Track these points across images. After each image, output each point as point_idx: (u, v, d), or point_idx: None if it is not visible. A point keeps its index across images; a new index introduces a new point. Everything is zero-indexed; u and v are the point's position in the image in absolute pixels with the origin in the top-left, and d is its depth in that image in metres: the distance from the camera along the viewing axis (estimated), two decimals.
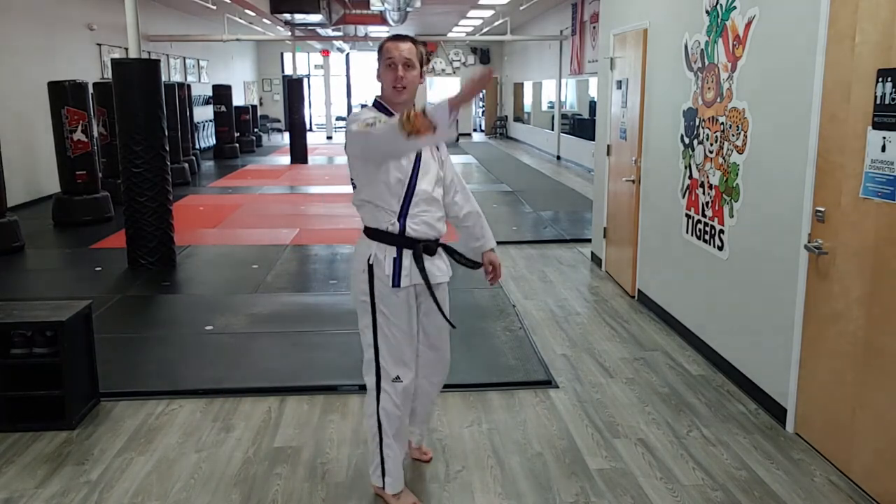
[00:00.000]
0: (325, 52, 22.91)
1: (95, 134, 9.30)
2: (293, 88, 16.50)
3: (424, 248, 2.72)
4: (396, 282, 2.69)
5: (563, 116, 17.49)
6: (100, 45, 12.96)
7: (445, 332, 2.95)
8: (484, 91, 2.72)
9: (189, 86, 15.02)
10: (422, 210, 2.70)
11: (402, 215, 2.68)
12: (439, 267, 2.81)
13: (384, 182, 2.65)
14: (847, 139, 3.04)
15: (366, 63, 26.72)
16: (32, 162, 10.41)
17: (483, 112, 26.25)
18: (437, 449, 3.38)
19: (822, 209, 3.22)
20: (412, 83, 2.69)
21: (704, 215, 4.44)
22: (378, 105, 2.75)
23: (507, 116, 24.56)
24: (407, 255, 2.70)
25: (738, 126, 4.00)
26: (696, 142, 4.55)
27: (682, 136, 4.77)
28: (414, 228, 2.69)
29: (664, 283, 5.21)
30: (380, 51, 2.73)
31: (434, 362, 2.99)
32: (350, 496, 3.00)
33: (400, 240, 2.69)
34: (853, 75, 3.00)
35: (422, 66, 2.75)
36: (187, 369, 4.33)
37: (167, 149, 6.65)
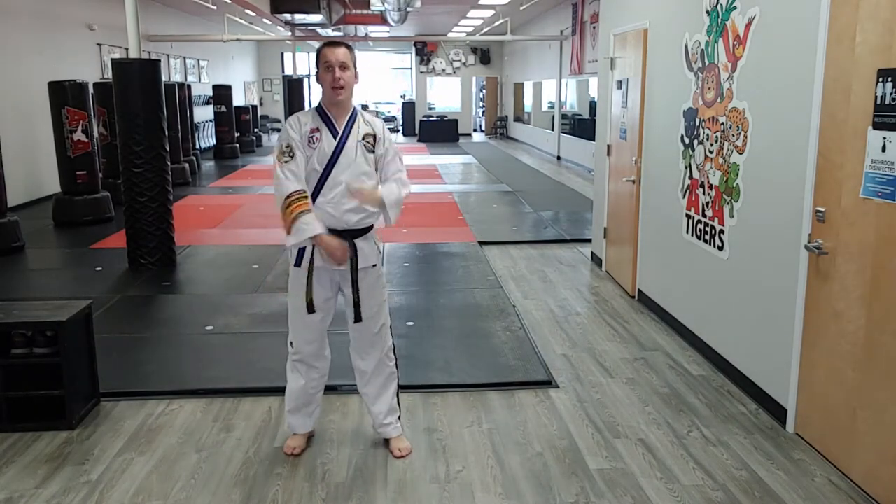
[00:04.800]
0: None
1: (95, 134, 9.30)
2: (293, 88, 16.53)
3: (349, 234, 3.05)
4: (297, 262, 3.10)
5: (564, 116, 17.48)
6: (100, 45, 12.96)
7: (372, 311, 3.20)
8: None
9: (189, 86, 15.01)
10: (328, 200, 3.02)
11: (313, 204, 3.01)
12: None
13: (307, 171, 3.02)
14: (847, 139, 3.04)
15: (366, 63, 26.73)
16: (33, 162, 10.41)
17: (483, 112, 26.26)
18: (437, 449, 3.38)
19: (823, 209, 3.22)
20: (349, 83, 3.04)
21: (704, 215, 4.44)
22: (319, 111, 3.08)
23: (507, 116, 24.55)
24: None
25: (738, 126, 4.00)
26: (696, 142, 4.55)
27: (682, 136, 4.77)
28: (322, 220, 3.00)
29: (664, 283, 5.20)
30: (318, 56, 3.06)
31: (360, 338, 3.27)
32: (350, 496, 3.00)
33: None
34: (853, 75, 3.00)
35: (355, 68, 3.08)
36: (187, 369, 4.33)
37: (167, 149, 6.65)
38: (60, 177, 8.90)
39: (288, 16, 13.43)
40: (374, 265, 3.19)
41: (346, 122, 3.07)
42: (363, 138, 3.08)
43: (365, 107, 25.44)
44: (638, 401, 3.88)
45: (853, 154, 3.00)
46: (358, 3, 15.26)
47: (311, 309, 3.12)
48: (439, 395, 3.95)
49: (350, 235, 3.06)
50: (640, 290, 5.65)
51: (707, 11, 4.37)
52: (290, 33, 17.65)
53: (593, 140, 7.59)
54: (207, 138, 18.89)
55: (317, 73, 3.07)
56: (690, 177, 4.63)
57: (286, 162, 2.97)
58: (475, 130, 26.52)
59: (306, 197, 2.97)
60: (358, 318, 3.17)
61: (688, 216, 4.70)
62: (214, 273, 6.54)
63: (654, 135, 5.33)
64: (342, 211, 3.03)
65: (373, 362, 3.29)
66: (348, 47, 3.06)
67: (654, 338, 4.85)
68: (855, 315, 3.03)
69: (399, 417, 3.41)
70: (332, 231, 3.02)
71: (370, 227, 3.17)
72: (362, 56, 26.52)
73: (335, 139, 3.03)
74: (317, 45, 21.70)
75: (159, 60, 6.74)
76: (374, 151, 3.10)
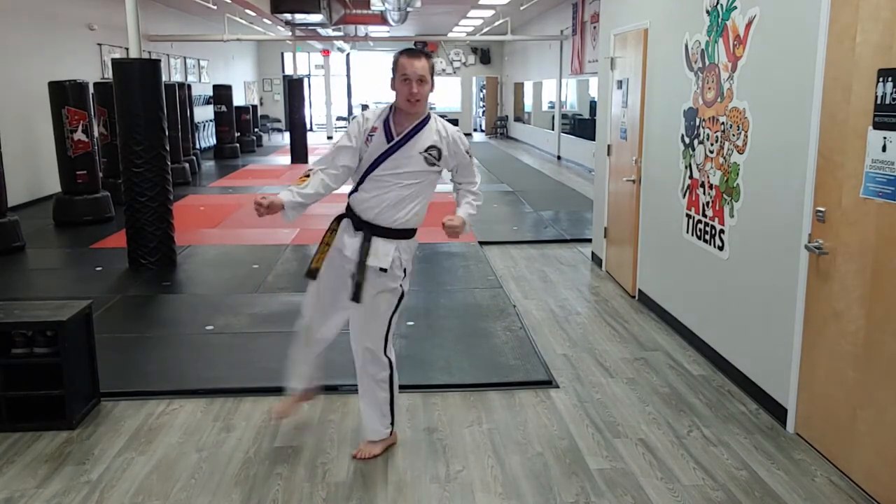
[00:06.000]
0: (326, 52, 22.90)
1: (96, 134, 9.30)
2: (293, 88, 16.50)
3: (369, 228, 3.04)
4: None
5: (564, 116, 17.49)
6: (100, 45, 12.96)
7: (367, 309, 3.11)
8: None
9: (189, 86, 15.01)
10: (370, 196, 3.03)
11: (352, 192, 3.11)
12: (376, 252, 3.04)
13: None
14: (847, 139, 3.04)
15: (366, 63, 26.73)
16: (33, 162, 10.41)
17: (483, 112, 26.26)
18: (438, 449, 3.38)
19: (823, 209, 3.22)
20: (425, 96, 2.98)
21: (705, 215, 4.44)
22: (388, 111, 3.04)
23: (507, 116, 24.56)
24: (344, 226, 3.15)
25: (738, 126, 3.99)
26: (696, 142, 4.55)
27: (682, 136, 4.77)
28: (354, 206, 3.10)
29: (665, 283, 5.20)
30: (395, 63, 2.99)
31: (355, 328, 3.21)
32: (350, 496, 3.00)
33: (348, 212, 3.15)
34: (854, 75, 3.00)
35: (432, 77, 3.01)
36: (187, 369, 4.33)
37: (167, 149, 6.64)
38: (61, 177, 8.90)
39: (288, 16, 13.42)
40: (384, 270, 3.02)
41: (409, 129, 2.99)
42: (427, 150, 3.00)
43: (365, 107, 25.49)
44: (638, 401, 3.88)
45: (853, 154, 3.00)
46: (358, 2, 15.26)
47: (313, 275, 3.15)
48: (439, 395, 3.95)
49: (371, 230, 3.04)
50: (640, 290, 5.65)
51: (707, 11, 4.36)
52: (290, 33, 17.64)
53: (593, 140, 7.60)
54: (208, 138, 18.89)
55: (392, 78, 2.98)
56: (691, 177, 4.63)
57: (336, 153, 3.09)
58: (475, 130, 26.52)
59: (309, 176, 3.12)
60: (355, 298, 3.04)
61: (688, 216, 4.70)
62: (214, 273, 6.54)
63: (654, 135, 5.33)
64: (381, 207, 3.02)
65: (359, 356, 3.21)
66: (427, 56, 2.97)
67: (654, 338, 4.85)
68: (855, 315, 3.03)
69: (392, 423, 3.30)
70: (361, 222, 3.06)
71: (403, 233, 3.08)
72: (361, 56, 26.53)
73: (387, 143, 2.98)
74: (318, 45, 21.73)
75: (159, 60, 6.74)
76: (436, 164, 3.04)
